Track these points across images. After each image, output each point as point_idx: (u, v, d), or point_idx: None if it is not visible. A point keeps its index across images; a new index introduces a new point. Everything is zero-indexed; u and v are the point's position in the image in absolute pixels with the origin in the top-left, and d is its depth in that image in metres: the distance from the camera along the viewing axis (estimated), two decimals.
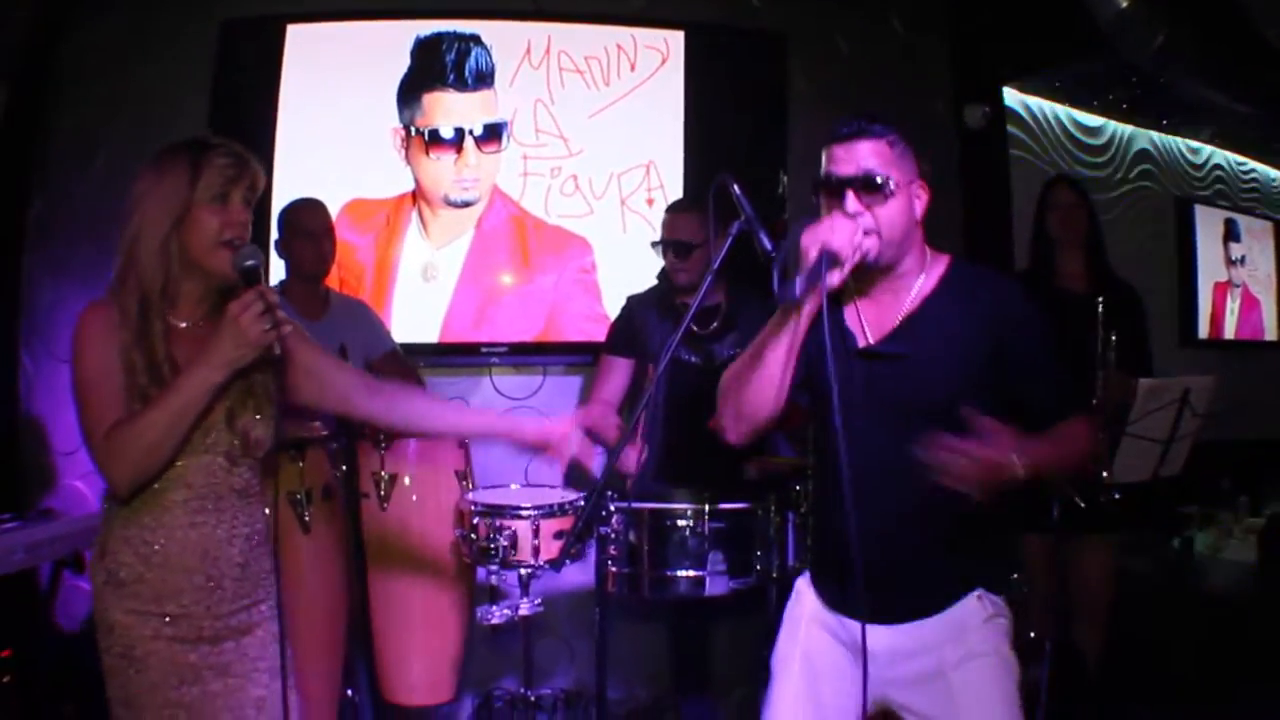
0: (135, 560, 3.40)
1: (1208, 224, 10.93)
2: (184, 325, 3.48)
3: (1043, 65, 8.35)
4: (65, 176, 6.66)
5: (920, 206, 3.42)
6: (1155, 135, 10.43)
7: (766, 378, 3.44)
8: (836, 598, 3.61)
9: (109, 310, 3.38)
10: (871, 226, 3.29)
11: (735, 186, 3.53)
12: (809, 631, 3.66)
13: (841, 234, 3.20)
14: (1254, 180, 11.81)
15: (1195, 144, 10.94)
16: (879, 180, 3.28)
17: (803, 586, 3.77)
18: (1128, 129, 10.14)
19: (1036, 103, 9.31)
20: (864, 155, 3.31)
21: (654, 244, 5.87)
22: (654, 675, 6.82)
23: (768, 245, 3.43)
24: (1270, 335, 11.79)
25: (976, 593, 3.46)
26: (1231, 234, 11.24)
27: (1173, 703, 6.12)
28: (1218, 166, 11.25)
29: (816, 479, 3.85)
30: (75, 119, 6.69)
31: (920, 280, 3.47)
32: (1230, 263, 11.21)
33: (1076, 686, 5.64)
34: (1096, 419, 3.49)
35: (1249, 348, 11.42)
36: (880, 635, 3.41)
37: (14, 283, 6.61)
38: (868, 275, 3.44)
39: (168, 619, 3.40)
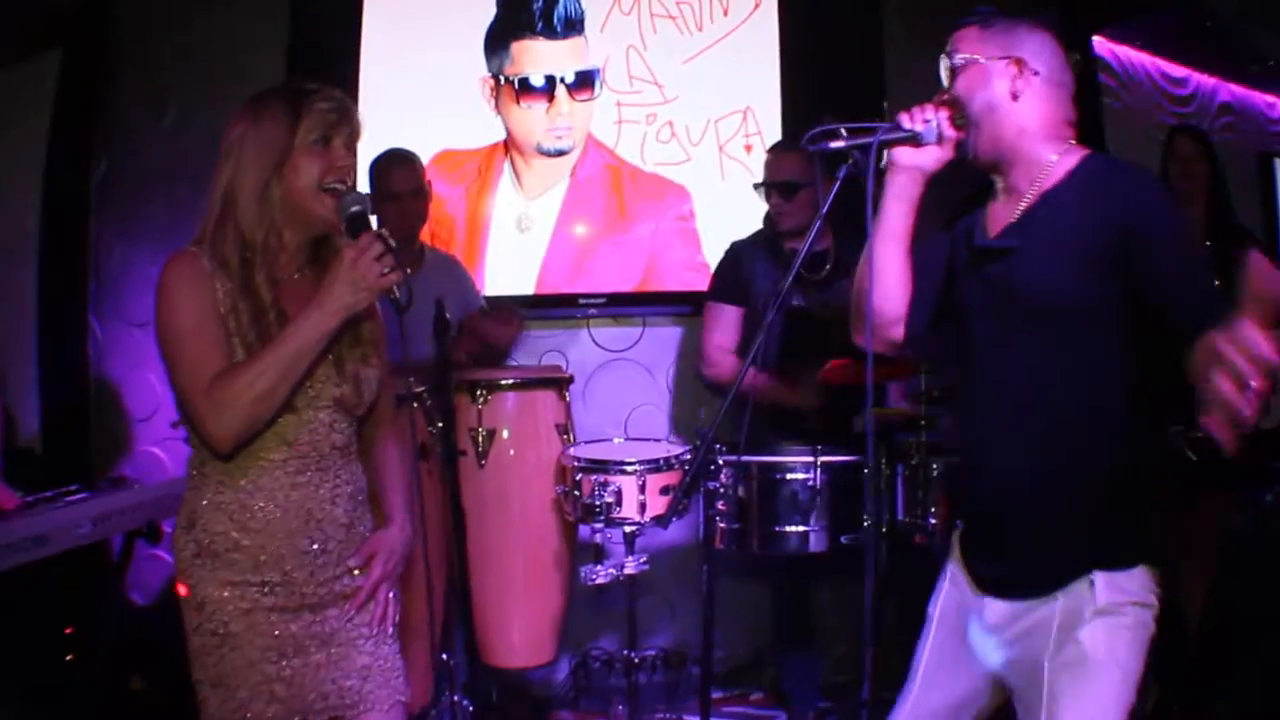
0: (231, 527, 3.09)
1: None
2: (282, 277, 3.18)
3: (1132, 13, 7.91)
4: (131, 136, 6.44)
5: (1018, 86, 3.05)
6: (1235, 88, 9.90)
7: (877, 273, 3.20)
8: (965, 557, 3.28)
9: (198, 260, 3.08)
10: (946, 103, 3.12)
11: (843, 129, 3.18)
12: (948, 585, 3.34)
13: (916, 111, 3.12)
14: None
15: (1272, 99, 10.40)
16: (954, 61, 3.11)
17: (955, 536, 3.39)
18: (1210, 80, 9.62)
19: (1125, 51, 8.79)
20: (954, 41, 3.15)
21: (756, 186, 5.54)
22: (753, 630, 6.50)
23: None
24: None
25: (1093, 575, 2.94)
26: None
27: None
28: None
29: (959, 415, 3.49)
30: (141, 76, 6.45)
31: (1048, 172, 3.08)
32: None
33: (1178, 655, 5.19)
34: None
35: None
36: (998, 610, 3.11)
37: (81, 246, 6.40)
38: (992, 173, 3.20)
39: (267, 589, 3.11)
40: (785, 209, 5.36)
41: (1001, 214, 3.16)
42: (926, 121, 3.08)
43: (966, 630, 3.21)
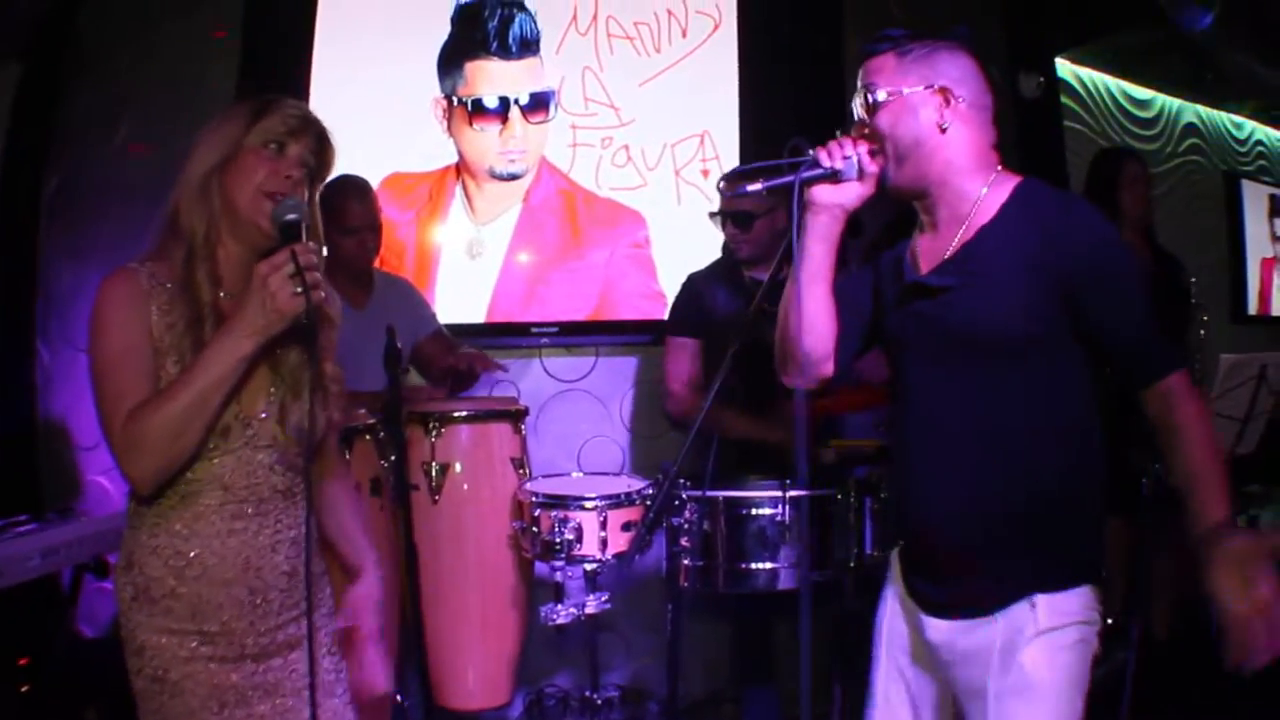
0: (167, 573, 2.95)
1: (1253, 200, 10.54)
2: (224, 296, 3.02)
3: (1095, 35, 7.97)
4: (83, 153, 6.33)
5: (945, 116, 2.99)
6: (1201, 109, 10.10)
7: (805, 317, 3.16)
8: (906, 576, 3.30)
9: (134, 278, 2.93)
10: (863, 143, 3.04)
11: (811, 151, 3.13)
12: (891, 605, 3.37)
13: (834, 147, 3.04)
14: None
15: (1239, 119, 10.60)
16: (870, 93, 3.03)
17: (894, 557, 3.41)
18: (1176, 102, 9.80)
19: (1088, 74, 8.95)
20: (870, 72, 3.07)
21: (712, 215, 5.46)
22: (709, 667, 6.47)
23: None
24: None
25: (1034, 598, 2.95)
26: (1276, 210, 10.87)
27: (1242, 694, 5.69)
28: (1259, 143, 10.90)
29: (893, 443, 3.39)
30: (95, 93, 6.35)
31: (978, 204, 3.03)
32: (1275, 239, 10.85)
33: (1150, 675, 5.30)
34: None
35: None
36: (939, 628, 3.13)
37: (29, 267, 6.29)
38: (919, 203, 3.15)
39: (205, 638, 2.98)
40: (742, 239, 5.31)
41: (931, 248, 3.13)
42: (846, 158, 3.00)
43: (912, 648, 3.24)
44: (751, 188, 3.05)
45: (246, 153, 2.96)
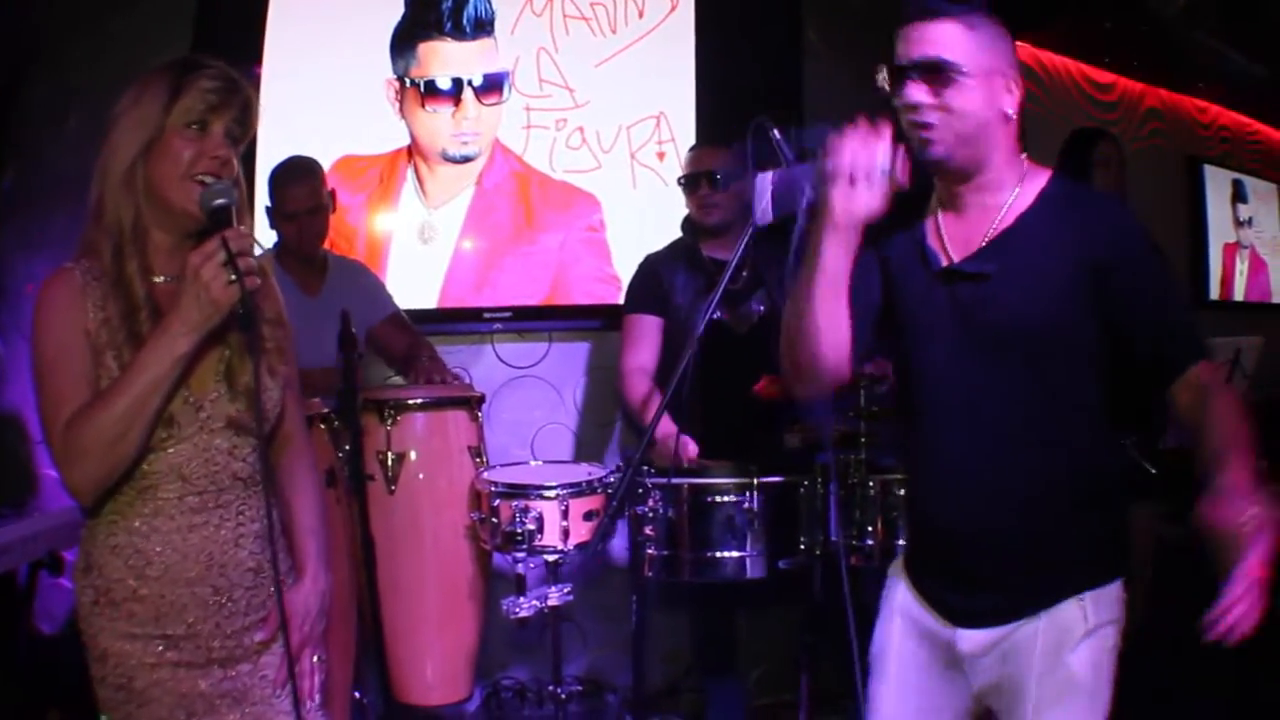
0: (128, 574, 2.87)
1: (1216, 184, 10.60)
2: (159, 280, 2.95)
3: (1055, 17, 7.95)
4: (38, 143, 6.24)
5: (1009, 103, 2.89)
6: (1164, 94, 10.05)
7: (810, 319, 2.99)
8: (925, 588, 3.19)
9: (71, 276, 2.87)
10: (937, 121, 2.84)
11: (775, 131, 3.23)
12: (901, 626, 3.22)
13: (862, 153, 2.82)
14: (1259, 142, 11.44)
15: (1202, 104, 10.59)
16: (948, 65, 2.81)
17: (895, 570, 3.31)
18: (1138, 85, 9.78)
19: (1049, 57, 8.95)
20: (936, 37, 2.84)
21: (680, 180, 5.47)
22: (668, 657, 6.47)
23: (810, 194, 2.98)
24: (1278, 298, 11.42)
25: (1084, 596, 2.91)
26: (1239, 195, 10.91)
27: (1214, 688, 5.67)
28: (1224, 128, 10.90)
29: (909, 440, 3.28)
30: (50, 83, 6.27)
31: (1015, 193, 2.96)
32: (1239, 224, 10.90)
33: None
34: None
35: (1259, 310, 11.05)
36: (974, 639, 3.03)
37: None
38: (951, 184, 3.02)
39: (171, 643, 2.89)
40: (714, 200, 5.29)
41: (960, 232, 3.04)
42: (879, 170, 2.82)
43: (935, 663, 3.13)
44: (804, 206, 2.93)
45: (169, 135, 2.85)
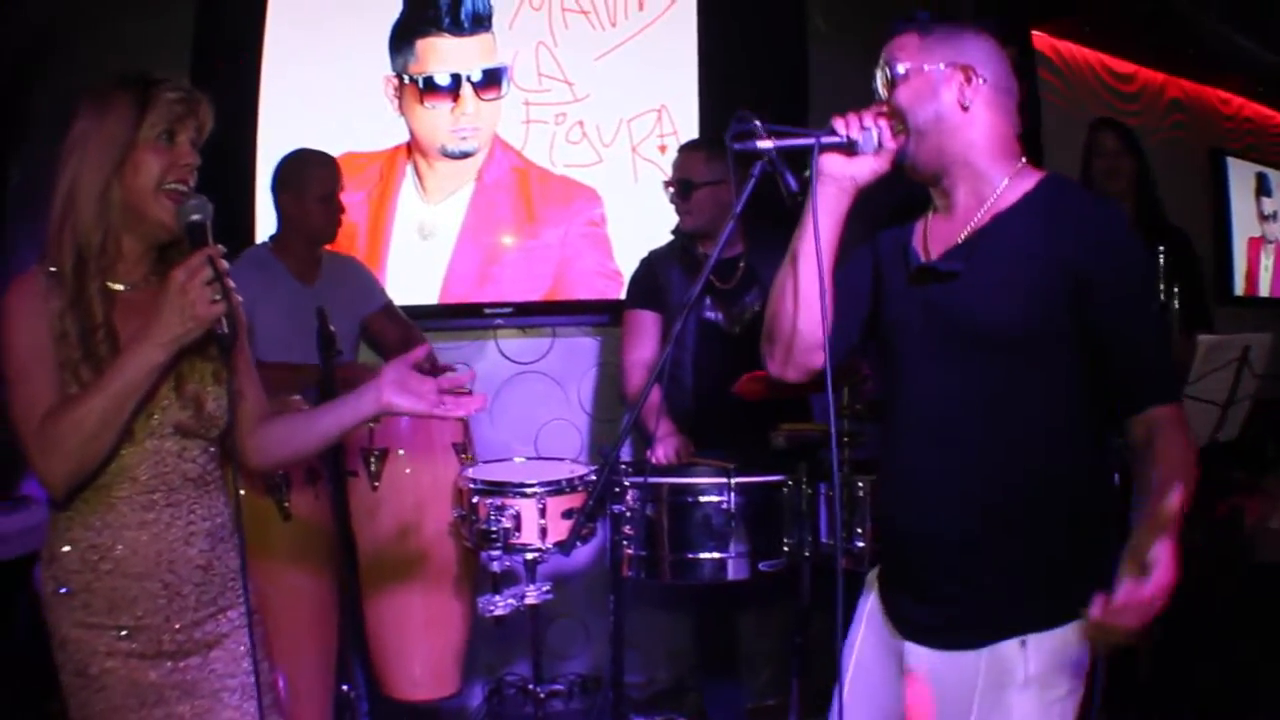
0: (83, 566, 2.96)
1: (1240, 177, 10.44)
2: (121, 288, 3.04)
3: (1075, 6, 7.87)
4: (45, 144, 6.09)
5: (966, 95, 2.91)
6: (1186, 85, 9.96)
7: (802, 296, 3.07)
8: (886, 596, 3.18)
9: (35, 281, 2.96)
10: (882, 124, 2.93)
11: (758, 122, 3.03)
12: (864, 633, 3.22)
13: (852, 118, 2.94)
14: None
15: (1225, 95, 10.51)
16: (895, 69, 2.95)
17: (871, 577, 3.30)
18: (1159, 76, 9.67)
19: (1068, 47, 8.84)
20: (893, 50, 2.99)
21: (665, 184, 5.44)
22: (674, 655, 6.49)
23: (794, 186, 2.99)
24: None
25: (1025, 638, 2.80)
26: (1263, 188, 10.77)
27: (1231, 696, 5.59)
28: (1248, 120, 10.79)
29: (881, 441, 3.27)
30: (55, 84, 6.20)
31: (998, 194, 2.95)
32: (1263, 218, 10.74)
33: (1128, 687, 5.21)
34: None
35: None
36: (919, 655, 2.98)
37: None
38: (930, 185, 3.07)
39: (123, 632, 2.97)
40: (683, 208, 5.30)
41: (942, 231, 3.05)
42: (865, 129, 2.91)
43: (889, 673, 3.09)
44: (762, 144, 2.90)
45: (140, 149, 2.93)
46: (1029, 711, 2.76)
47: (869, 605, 3.21)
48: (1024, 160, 2.98)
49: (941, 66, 2.90)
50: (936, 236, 3.06)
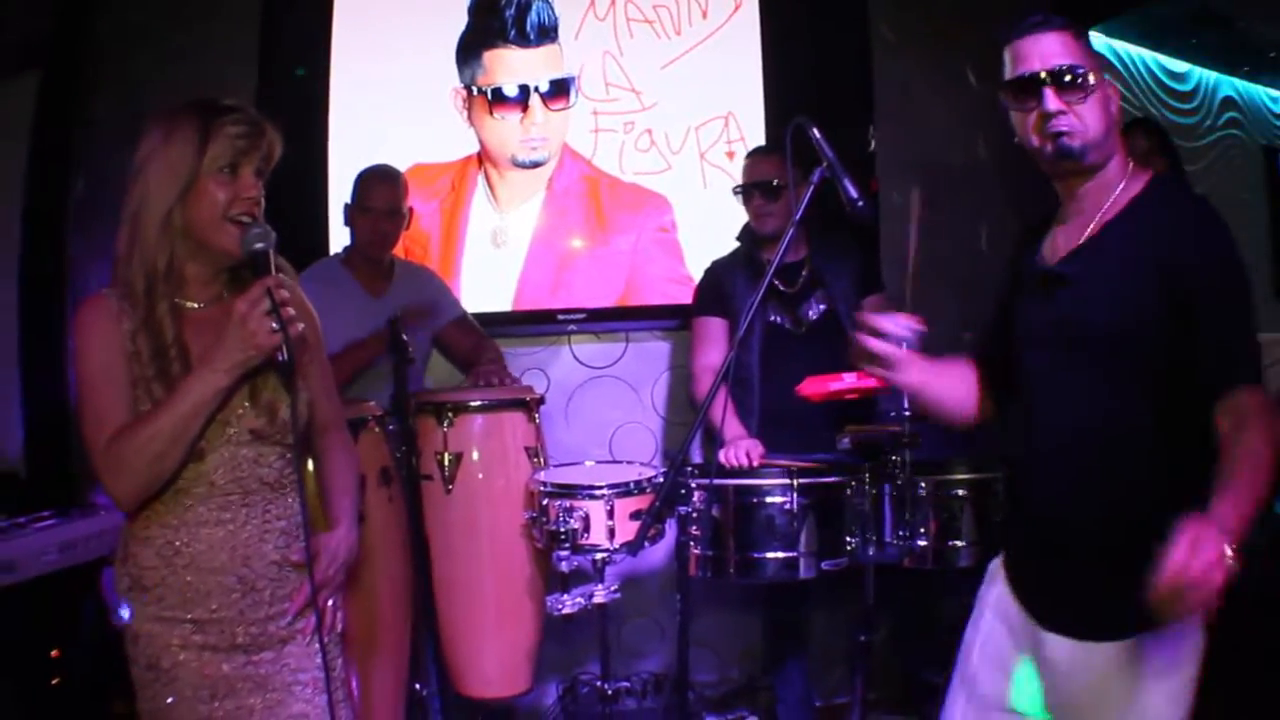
0: (159, 562, 3.00)
1: None
2: (194, 306, 3.10)
3: (1129, 6, 7.76)
4: (108, 154, 6.18)
5: (1115, 106, 2.93)
6: (1239, 82, 9.86)
7: (934, 410, 3.38)
8: (1019, 587, 3.13)
9: (107, 302, 3.02)
10: (1074, 126, 2.86)
11: (815, 130, 3.21)
12: (990, 619, 3.21)
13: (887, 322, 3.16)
14: None
15: (1275, 93, 10.26)
16: (1079, 72, 2.85)
17: (995, 567, 3.28)
18: (1213, 75, 9.58)
19: (1124, 48, 8.74)
20: (1055, 47, 2.88)
21: (735, 189, 5.42)
22: (746, 653, 6.42)
23: (853, 193, 3.15)
24: None
25: (1158, 630, 2.72)
26: None
27: None
28: None
29: (1021, 438, 3.24)
30: (118, 95, 6.26)
31: (1113, 197, 2.96)
32: None
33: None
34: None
35: None
36: (1060, 646, 2.94)
37: (59, 268, 6.25)
38: (1074, 185, 3.01)
39: (196, 625, 3.00)
40: (767, 210, 5.25)
41: (1065, 238, 3.04)
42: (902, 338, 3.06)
43: (1004, 663, 3.10)
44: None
45: (203, 180, 2.95)
46: (1162, 704, 2.76)
47: (994, 595, 3.18)
48: (1131, 161, 2.98)
49: (1107, 76, 2.90)
50: (1061, 242, 3.04)
